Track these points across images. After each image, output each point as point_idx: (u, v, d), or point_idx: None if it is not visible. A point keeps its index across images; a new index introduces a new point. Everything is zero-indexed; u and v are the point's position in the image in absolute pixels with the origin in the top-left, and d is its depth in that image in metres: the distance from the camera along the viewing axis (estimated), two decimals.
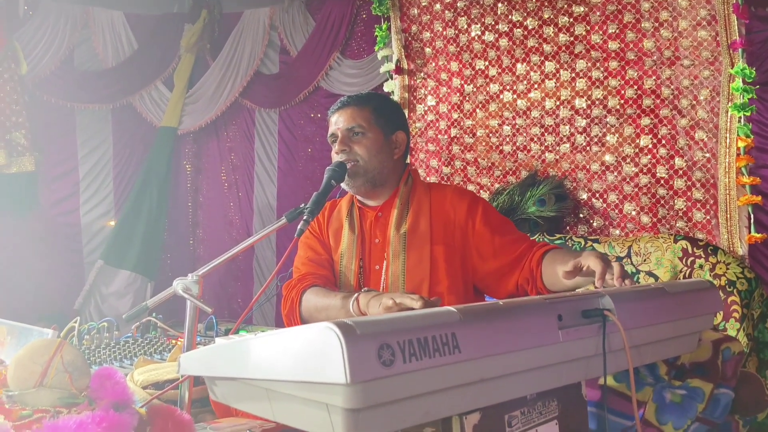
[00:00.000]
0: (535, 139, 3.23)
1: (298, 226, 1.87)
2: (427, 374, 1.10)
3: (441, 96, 3.45)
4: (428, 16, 3.42)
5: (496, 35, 3.27)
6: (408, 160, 3.45)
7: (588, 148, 3.11)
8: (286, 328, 1.15)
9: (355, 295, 1.89)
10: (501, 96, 3.30)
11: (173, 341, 2.72)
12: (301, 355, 1.09)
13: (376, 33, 3.55)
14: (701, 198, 2.85)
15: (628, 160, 3.02)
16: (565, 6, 3.11)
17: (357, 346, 1.01)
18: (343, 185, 2.07)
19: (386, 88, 3.60)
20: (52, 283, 5.29)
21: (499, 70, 3.29)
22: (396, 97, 3.52)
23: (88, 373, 1.29)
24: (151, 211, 5.60)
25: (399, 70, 3.52)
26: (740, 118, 2.67)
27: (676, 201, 2.91)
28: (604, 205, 3.09)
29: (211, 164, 5.73)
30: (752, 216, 2.70)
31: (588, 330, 1.41)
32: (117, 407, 1.19)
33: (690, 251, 2.67)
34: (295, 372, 1.10)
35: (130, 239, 5.55)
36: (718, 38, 2.73)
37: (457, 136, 3.40)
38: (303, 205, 1.93)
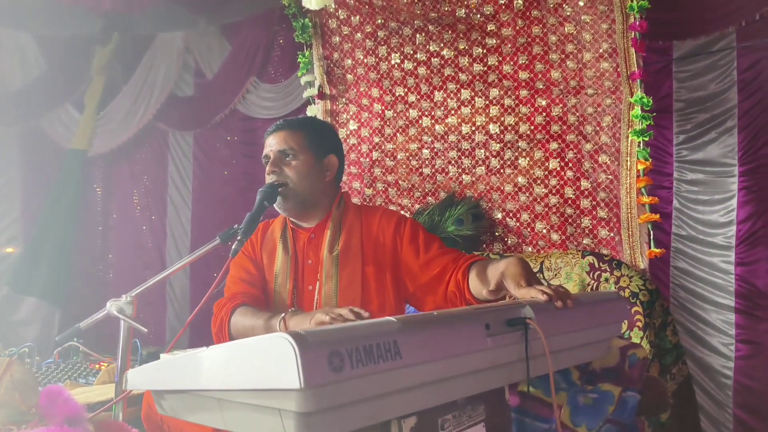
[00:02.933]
0: (453, 162, 3.38)
1: (233, 247, 1.92)
2: (373, 379, 1.19)
3: (362, 120, 3.55)
4: (350, 45, 3.53)
5: (415, 64, 3.41)
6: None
7: (502, 170, 3.28)
8: (238, 340, 1.21)
9: (282, 315, 1.95)
10: (420, 121, 3.44)
11: (96, 365, 2.68)
12: (255, 364, 1.15)
13: (298, 59, 3.63)
14: (605, 216, 3.06)
15: (539, 181, 3.21)
16: (479, 38, 3.28)
17: (309, 353, 1.09)
18: (276, 207, 2.14)
19: (309, 113, 3.67)
20: None
21: (418, 97, 3.44)
22: None
23: (37, 391, 1.30)
24: (59, 236, 5.40)
25: (321, 95, 3.61)
26: (640, 142, 2.89)
27: (582, 219, 3.11)
28: (518, 224, 3.26)
29: (123, 187, 5.58)
30: (651, 233, 2.92)
31: (512, 337, 1.52)
32: (70, 422, 1.21)
33: (596, 266, 2.86)
34: (249, 381, 1.16)
35: (38, 265, 5.33)
36: (618, 69, 2.96)
37: (379, 158, 3.51)
38: (236, 225, 1.98)
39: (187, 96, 5.33)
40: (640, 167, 2.87)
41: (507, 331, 1.52)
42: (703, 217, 3.30)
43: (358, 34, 3.50)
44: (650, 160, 2.87)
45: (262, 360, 1.13)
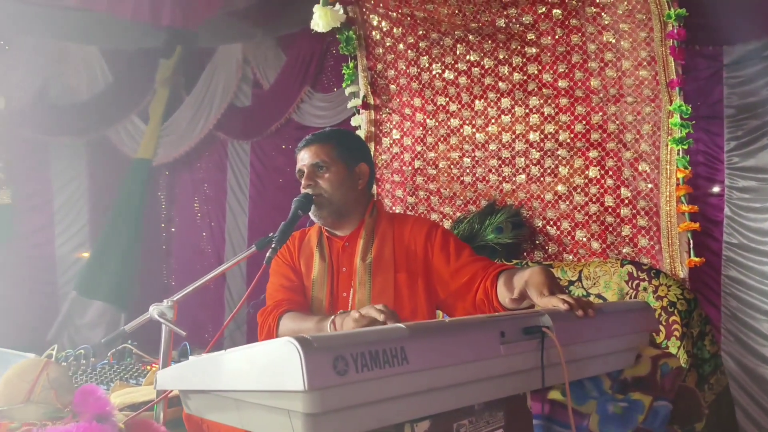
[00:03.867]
0: (493, 170, 3.41)
1: (267, 254, 2.01)
2: (378, 383, 1.24)
3: (405, 130, 3.62)
4: (392, 56, 3.61)
5: (456, 73, 3.46)
6: (374, 191, 3.62)
7: (542, 178, 3.29)
8: (252, 344, 1.29)
9: (331, 317, 2.02)
10: (461, 130, 3.48)
11: (148, 367, 2.83)
12: (266, 366, 1.22)
13: (343, 71, 3.73)
14: (645, 225, 3.03)
15: (579, 190, 3.20)
16: (518, 47, 3.31)
17: (314, 357, 1.15)
18: (311, 216, 2.22)
19: (353, 123, 3.76)
20: (26, 314, 5.32)
21: (459, 106, 3.48)
22: (363, 131, 3.68)
23: (72, 390, 1.41)
24: (125, 242, 5.64)
25: (365, 105, 3.69)
26: (679, 150, 2.86)
27: (622, 228, 3.09)
28: (558, 232, 3.26)
29: (184, 195, 5.81)
30: (691, 241, 2.88)
31: (528, 345, 1.54)
32: (99, 419, 1.32)
33: (635, 275, 2.84)
34: (260, 382, 1.24)
35: (104, 270, 5.58)
36: (657, 77, 2.94)
37: (421, 167, 3.57)
38: (272, 234, 2.07)
39: (245, 106, 5.52)
40: (680, 175, 2.84)
41: (523, 339, 1.54)
42: (755, 225, 3.23)
43: (401, 45, 3.57)
44: (690, 168, 2.83)
45: (272, 363, 1.21)
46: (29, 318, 5.37)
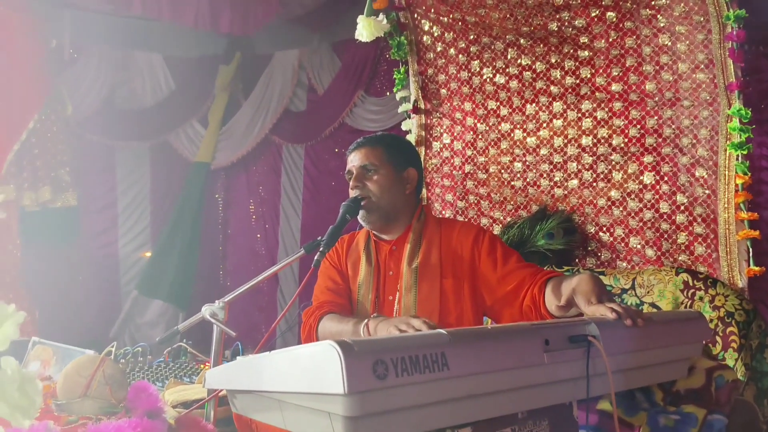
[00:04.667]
0: (545, 175, 3.37)
1: (315, 257, 2.05)
2: (418, 388, 1.25)
3: (455, 134, 3.62)
4: (443, 60, 3.61)
5: (507, 77, 3.44)
6: (424, 195, 3.63)
7: (595, 184, 3.24)
8: (295, 347, 1.32)
9: (366, 321, 2.05)
10: (512, 134, 3.46)
11: (202, 365, 2.90)
12: (307, 369, 1.25)
13: (394, 75, 3.75)
14: (702, 232, 2.95)
15: (633, 195, 3.14)
16: (571, 51, 3.27)
17: (354, 360, 1.17)
18: (359, 220, 2.24)
19: (404, 127, 3.78)
20: (90, 312, 5.52)
21: (510, 110, 3.46)
22: (413, 136, 3.70)
23: (126, 386, 1.47)
24: (185, 243, 5.81)
25: (416, 109, 3.71)
26: (738, 156, 2.78)
27: (678, 235, 3.01)
28: (611, 239, 3.20)
29: (240, 198, 5.94)
30: (751, 250, 2.79)
31: (574, 354, 1.53)
32: (150, 415, 1.37)
33: (690, 284, 2.77)
34: (302, 384, 1.27)
35: (164, 270, 5.75)
36: (715, 80, 2.86)
37: (471, 171, 3.56)
38: (320, 237, 2.11)
39: (300, 111, 5.61)
40: (739, 182, 2.76)
41: (568, 348, 1.53)
42: None
43: (452, 50, 3.57)
44: (749, 174, 2.75)
45: (313, 365, 1.23)
46: (93, 316, 5.57)
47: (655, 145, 3.09)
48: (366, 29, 3.03)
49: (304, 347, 1.27)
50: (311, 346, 1.24)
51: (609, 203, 3.20)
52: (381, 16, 3.06)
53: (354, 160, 2.28)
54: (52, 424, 1.28)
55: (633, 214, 3.14)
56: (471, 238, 2.23)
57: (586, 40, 3.22)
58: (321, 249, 2.07)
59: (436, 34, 3.61)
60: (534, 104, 3.38)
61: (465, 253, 2.22)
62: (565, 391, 1.59)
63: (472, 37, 3.49)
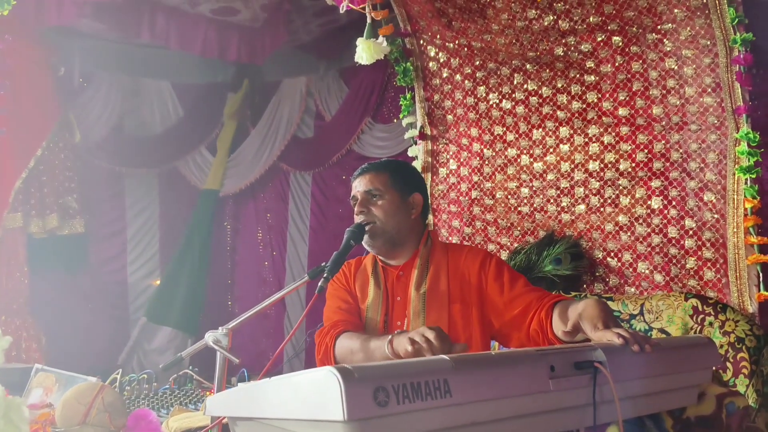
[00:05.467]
0: (552, 200, 3.35)
1: (319, 283, 2.03)
2: (420, 415, 1.22)
3: (462, 160, 3.61)
4: (449, 86, 3.62)
5: (513, 103, 3.44)
6: (430, 220, 3.62)
7: (602, 209, 3.22)
8: (294, 373, 1.30)
9: (389, 337, 2.00)
10: (518, 160, 3.45)
11: (207, 393, 2.89)
12: (307, 395, 1.22)
13: (400, 102, 3.76)
14: (711, 257, 2.92)
15: (641, 220, 3.11)
16: (577, 75, 3.27)
17: (354, 387, 1.15)
18: (364, 245, 2.23)
19: (410, 153, 3.79)
20: (99, 338, 5.51)
21: (517, 136, 3.46)
22: (420, 162, 3.70)
23: (125, 414, 1.45)
24: (193, 270, 5.80)
25: (423, 135, 3.71)
26: (746, 180, 2.76)
27: (687, 260, 2.98)
28: (619, 264, 3.17)
29: (248, 225, 5.95)
30: (761, 275, 2.75)
31: (579, 380, 1.49)
32: None
33: (700, 309, 2.73)
34: (303, 411, 1.24)
35: (173, 297, 5.74)
36: (723, 104, 2.85)
37: (478, 197, 3.55)
38: (324, 264, 2.09)
39: (308, 137, 5.63)
40: (748, 205, 2.73)
41: (574, 374, 1.49)
42: None
43: (458, 76, 3.58)
44: (758, 198, 2.72)
45: (313, 392, 1.21)
46: (102, 343, 5.55)
47: (662, 169, 3.07)
48: (366, 52, 3.04)
49: (305, 373, 1.25)
50: (311, 372, 1.22)
51: (617, 228, 3.18)
52: (381, 38, 3.07)
53: (359, 185, 2.27)
54: None
55: (641, 239, 3.12)
56: (478, 262, 2.21)
57: (593, 65, 3.22)
58: (325, 275, 2.05)
59: (441, 60, 3.62)
60: (540, 129, 3.38)
61: (472, 278, 2.20)
62: (572, 419, 1.55)
63: (478, 62, 3.50)
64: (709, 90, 2.91)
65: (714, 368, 2.17)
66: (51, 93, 4.91)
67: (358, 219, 2.23)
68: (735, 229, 2.78)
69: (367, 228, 2.20)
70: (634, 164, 3.14)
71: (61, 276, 5.18)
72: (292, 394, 1.27)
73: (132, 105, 5.86)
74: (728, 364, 2.57)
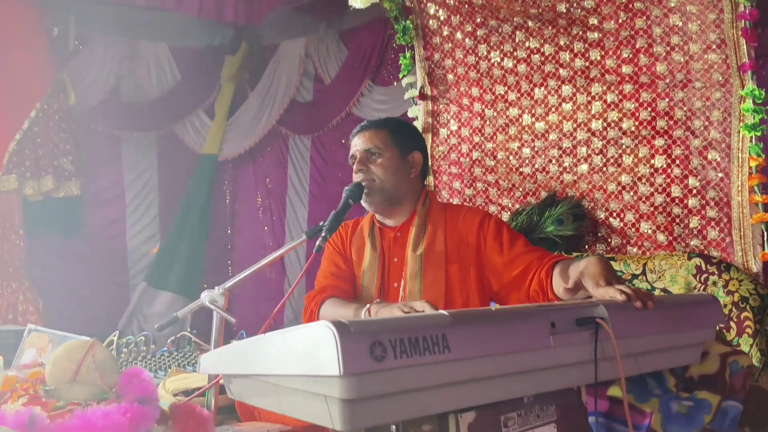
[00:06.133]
0: (554, 160, 3.31)
1: (317, 242, 2.00)
2: (418, 371, 1.20)
3: (463, 120, 3.56)
4: (450, 45, 3.55)
5: (515, 61, 3.38)
6: (430, 181, 3.58)
7: (605, 168, 3.17)
8: (290, 328, 1.27)
9: (367, 306, 2.01)
10: (520, 119, 3.40)
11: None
12: (303, 351, 1.20)
13: (400, 61, 3.69)
14: (715, 216, 2.88)
15: (644, 180, 3.07)
16: (580, 32, 3.20)
17: (350, 341, 1.13)
18: (363, 204, 2.20)
19: (410, 114, 3.73)
20: (99, 303, 5.51)
21: (518, 95, 3.40)
22: (420, 122, 3.64)
23: (117, 372, 1.43)
24: (193, 234, 5.79)
25: (423, 96, 3.65)
26: (751, 137, 2.71)
27: (690, 219, 2.95)
28: (622, 224, 3.14)
29: (247, 190, 5.91)
30: (765, 233, 2.72)
31: (581, 337, 1.48)
32: (141, 401, 1.33)
33: (703, 268, 2.70)
34: (298, 367, 1.22)
35: (173, 262, 5.73)
36: (728, 61, 2.79)
37: (479, 158, 3.51)
38: (322, 223, 2.06)
39: (307, 101, 5.56)
40: (753, 164, 2.70)
41: (575, 330, 1.48)
42: None
43: (458, 34, 3.51)
44: (763, 156, 2.68)
45: (309, 347, 1.19)
46: (102, 307, 5.55)
47: (666, 128, 3.02)
48: None
49: (300, 328, 1.23)
50: (306, 327, 1.20)
51: (619, 188, 3.14)
52: None
53: (358, 143, 2.24)
54: (39, 410, 1.24)
55: (644, 199, 3.08)
56: (477, 223, 2.19)
57: (596, 22, 3.15)
58: (323, 234, 2.02)
59: (442, 18, 3.55)
60: (542, 88, 3.32)
61: (471, 239, 2.17)
62: (573, 376, 1.54)
63: (479, 20, 3.43)
64: (714, 47, 2.85)
65: (718, 327, 2.16)
66: (45, 54, 4.84)
67: (356, 178, 2.21)
68: (739, 188, 2.75)
69: (366, 186, 2.17)
70: (637, 123, 3.09)
71: (57, 239, 5.16)
72: (287, 350, 1.26)
73: (128, 68, 5.78)
74: (732, 324, 2.56)
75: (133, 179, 5.90)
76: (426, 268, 2.17)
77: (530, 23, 3.30)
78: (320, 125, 5.36)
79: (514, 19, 3.34)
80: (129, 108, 5.74)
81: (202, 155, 5.87)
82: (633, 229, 3.10)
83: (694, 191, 2.95)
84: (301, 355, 1.21)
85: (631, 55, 3.09)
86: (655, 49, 3.02)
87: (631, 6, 3.05)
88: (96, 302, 5.47)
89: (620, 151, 3.14)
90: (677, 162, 3.00)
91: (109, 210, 5.81)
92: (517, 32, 3.36)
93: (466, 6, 3.40)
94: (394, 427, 1.27)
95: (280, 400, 1.34)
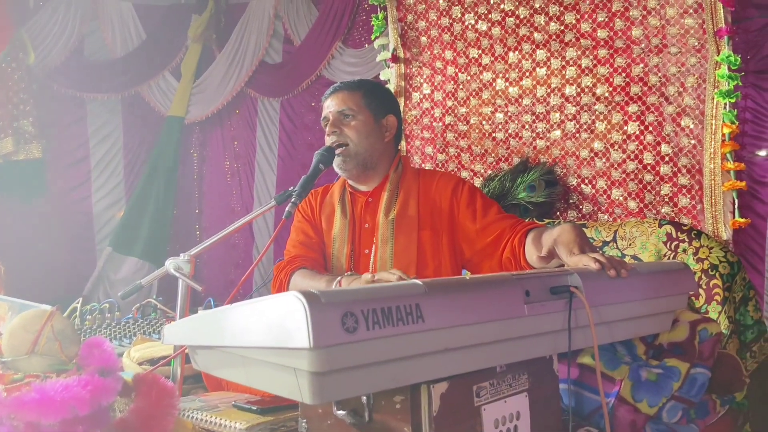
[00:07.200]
0: (527, 126, 3.28)
1: (287, 209, 1.94)
2: (391, 341, 1.17)
3: (436, 84, 3.50)
4: (423, 6, 3.47)
5: (489, 24, 3.32)
6: (402, 146, 3.53)
7: (577, 134, 3.15)
8: (257, 298, 1.23)
9: (338, 278, 1.97)
10: (494, 84, 3.35)
11: (171, 322, 2.82)
12: (271, 322, 1.16)
13: (372, 22, 3.60)
14: (687, 184, 2.88)
15: (616, 146, 3.06)
16: None
17: (321, 313, 1.08)
18: (335, 168, 2.14)
19: (383, 77, 3.65)
20: (64, 269, 5.41)
21: (492, 59, 3.34)
22: (392, 86, 3.57)
23: (78, 342, 1.37)
24: (159, 199, 5.67)
25: (395, 58, 3.58)
26: (726, 104, 2.70)
27: (662, 187, 2.95)
28: (593, 191, 3.13)
29: (215, 153, 5.80)
30: (736, 201, 2.73)
31: (555, 305, 1.46)
32: (102, 372, 1.27)
33: (674, 236, 2.70)
34: (266, 338, 1.18)
35: (139, 227, 5.62)
36: (704, 26, 2.76)
37: (452, 123, 3.46)
38: (292, 188, 2.00)
39: (276, 63, 5.44)
40: (726, 131, 2.69)
41: (549, 299, 1.46)
42: None
43: None
44: (737, 123, 2.68)
45: (277, 318, 1.14)
46: (67, 273, 5.45)
47: (640, 94, 3.01)
48: None
49: (268, 299, 1.18)
50: (275, 298, 1.16)
51: (592, 154, 3.12)
52: None
53: (330, 105, 2.17)
54: None
55: (616, 166, 3.07)
56: (450, 189, 2.15)
57: None
58: (293, 200, 1.96)
59: None
60: (517, 52, 3.27)
61: (444, 205, 2.14)
62: (546, 345, 1.52)
63: None
64: (691, 11, 2.82)
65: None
66: (3, 11, 4.64)
67: (329, 141, 2.14)
68: (712, 155, 2.75)
69: (338, 150, 2.11)
70: (611, 89, 3.06)
71: (19, 203, 5.03)
72: (254, 321, 1.21)
73: (92, 27, 5.59)
74: (701, 291, 2.57)
75: (97, 142, 5.75)
76: (398, 233, 2.13)
77: None
78: (290, 88, 5.24)
79: None
80: (92, 68, 5.57)
81: (168, 117, 5.73)
82: (605, 196, 3.10)
83: (666, 158, 2.94)
84: (270, 326, 1.16)
85: (606, 19, 3.04)
86: (631, 13, 2.98)
87: None
88: (61, 268, 5.37)
89: (593, 117, 3.12)
90: (650, 129, 2.98)
91: (73, 173, 5.67)
92: None
93: None
94: (365, 398, 1.24)
95: (248, 372, 1.30)
